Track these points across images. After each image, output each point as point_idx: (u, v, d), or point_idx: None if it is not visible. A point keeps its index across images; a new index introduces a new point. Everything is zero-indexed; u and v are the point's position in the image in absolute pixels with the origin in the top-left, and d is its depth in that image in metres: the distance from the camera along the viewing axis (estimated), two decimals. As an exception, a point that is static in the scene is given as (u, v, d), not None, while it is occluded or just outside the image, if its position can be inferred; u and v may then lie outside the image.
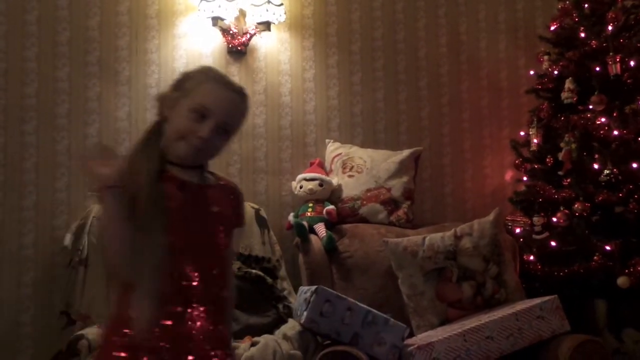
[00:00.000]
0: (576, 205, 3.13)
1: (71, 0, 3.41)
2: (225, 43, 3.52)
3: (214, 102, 1.64)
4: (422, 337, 2.75)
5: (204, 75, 1.69)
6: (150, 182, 1.59)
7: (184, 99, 1.65)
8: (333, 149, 3.53)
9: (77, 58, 3.41)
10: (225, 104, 1.66)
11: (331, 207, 3.29)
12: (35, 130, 3.33)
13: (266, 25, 3.50)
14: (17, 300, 3.23)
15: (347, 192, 3.37)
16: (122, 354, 1.56)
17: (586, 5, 3.41)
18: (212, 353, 1.61)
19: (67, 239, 3.11)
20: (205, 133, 1.62)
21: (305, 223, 3.18)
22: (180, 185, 1.65)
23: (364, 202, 3.33)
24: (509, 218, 3.45)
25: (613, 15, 3.29)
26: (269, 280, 3.10)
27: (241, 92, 1.71)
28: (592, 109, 3.24)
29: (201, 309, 1.60)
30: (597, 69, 3.27)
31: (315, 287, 2.64)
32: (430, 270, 2.95)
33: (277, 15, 3.47)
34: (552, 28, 3.56)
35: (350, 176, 3.41)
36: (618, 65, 3.20)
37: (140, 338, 1.54)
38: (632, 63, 3.24)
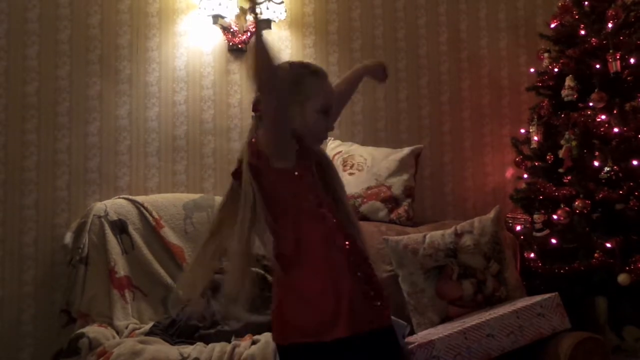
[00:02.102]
0: (577, 203, 3.13)
1: (72, -2, 3.42)
2: (226, 41, 3.53)
3: (331, 97, 1.90)
4: (422, 335, 2.75)
5: (315, 76, 1.89)
6: None
7: (308, 102, 1.85)
8: (333, 147, 3.54)
9: (78, 56, 3.41)
10: (332, 94, 1.92)
11: (332, 205, 3.29)
12: (36, 128, 3.33)
13: (267, 23, 3.50)
14: (17, 298, 3.24)
15: (347, 190, 3.34)
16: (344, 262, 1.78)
17: (586, 3, 3.41)
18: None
19: (68, 237, 3.11)
20: (329, 124, 1.90)
21: (305, 221, 3.18)
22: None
23: (365, 200, 3.33)
24: (509, 215, 3.45)
25: (613, 13, 3.29)
26: (270, 278, 3.10)
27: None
28: (592, 106, 3.24)
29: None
30: (597, 66, 3.27)
31: (316, 284, 2.63)
32: (431, 267, 2.95)
33: (278, 13, 3.47)
34: (553, 26, 3.56)
35: (350, 174, 3.41)
36: (618, 63, 3.20)
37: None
38: (632, 60, 3.24)
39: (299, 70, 1.89)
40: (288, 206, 1.81)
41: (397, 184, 3.36)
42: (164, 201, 3.23)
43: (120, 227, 3.07)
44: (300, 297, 1.78)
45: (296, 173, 1.81)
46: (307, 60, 3.59)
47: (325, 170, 1.91)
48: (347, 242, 1.81)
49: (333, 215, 1.84)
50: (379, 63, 2.20)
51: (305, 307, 1.77)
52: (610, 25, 3.28)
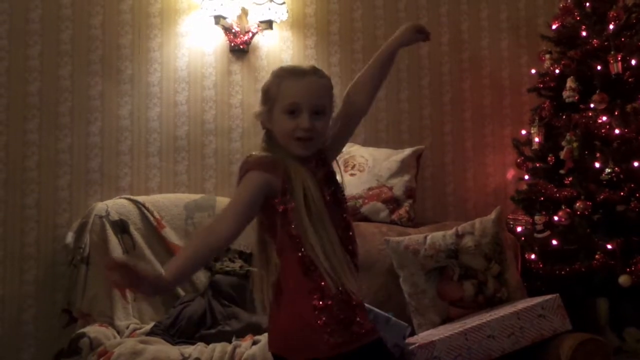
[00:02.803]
0: (578, 204, 3.13)
1: (74, -2, 3.43)
2: (228, 41, 3.53)
3: (298, 94, 1.77)
4: (423, 336, 2.75)
5: (278, 78, 1.82)
6: (309, 180, 1.74)
7: (274, 107, 1.79)
8: (335, 148, 3.53)
9: (80, 56, 3.41)
10: (307, 90, 1.78)
11: (333, 205, 3.29)
12: (37, 128, 3.34)
13: (268, 24, 3.51)
14: (19, 298, 3.24)
15: (348, 191, 3.37)
16: (317, 304, 1.70)
17: (588, 4, 3.41)
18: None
19: (69, 237, 3.11)
20: (306, 123, 1.75)
21: (307, 221, 3.18)
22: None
23: (366, 201, 3.34)
24: (510, 217, 3.45)
25: (614, 14, 3.29)
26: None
27: (314, 71, 1.82)
28: (593, 107, 3.24)
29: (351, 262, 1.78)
30: (599, 67, 3.27)
31: (316, 285, 2.64)
32: (432, 268, 2.95)
33: (280, 13, 3.47)
34: (554, 27, 3.56)
35: (351, 175, 3.41)
36: (619, 64, 3.20)
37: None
38: (633, 62, 3.23)
39: (270, 79, 1.84)
40: (276, 232, 1.77)
41: (398, 185, 3.36)
42: (165, 201, 3.23)
43: (121, 227, 3.07)
44: (283, 316, 1.78)
45: (280, 208, 1.73)
46: (308, 61, 3.63)
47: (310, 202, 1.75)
48: (322, 283, 1.71)
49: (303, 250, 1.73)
50: (410, 28, 2.08)
51: (288, 328, 1.77)
52: (611, 26, 3.28)
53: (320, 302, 1.70)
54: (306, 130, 1.75)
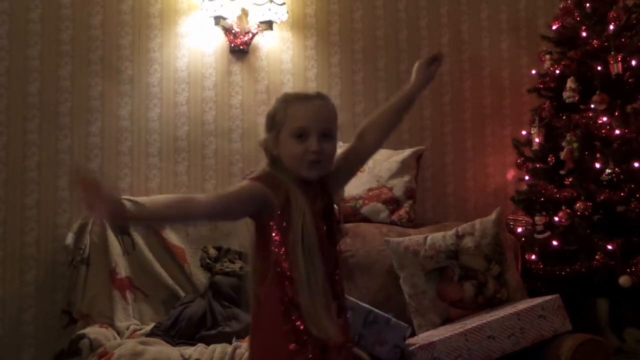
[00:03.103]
0: (578, 205, 3.13)
1: (74, -1, 3.43)
2: (228, 42, 3.53)
3: (306, 118, 1.77)
4: (423, 337, 2.75)
5: (284, 103, 1.81)
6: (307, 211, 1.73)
7: (281, 133, 1.78)
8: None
9: (80, 57, 3.41)
10: (315, 114, 1.79)
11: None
12: (37, 128, 3.33)
13: (268, 25, 3.50)
14: (18, 298, 3.24)
15: (348, 192, 3.37)
16: (292, 346, 1.69)
17: (588, 5, 3.41)
18: (348, 344, 1.84)
19: (69, 238, 3.11)
20: (315, 146, 1.75)
21: (307, 222, 3.17)
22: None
23: (366, 202, 3.33)
24: (510, 217, 3.45)
25: (615, 15, 3.29)
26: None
27: (320, 95, 1.85)
28: (593, 108, 3.24)
29: (334, 303, 1.77)
30: (599, 68, 3.27)
31: (317, 286, 2.64)
32: (432, 269, 2.95)
33: (280, 14, 3.47)
34: (554, 27, 3.56)
35: (352, 175, 3.41)
36: (619, 65, 3.20)
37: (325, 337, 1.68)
38: (633, 62, 3.24)
39: (275, 105, 1.84)
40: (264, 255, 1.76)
41: (399, 186, 3.36)
42: (166, 202, 3.22)
43: (121, 228, 3.07)
44: (256, 346, 1.80)
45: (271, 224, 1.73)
46: (308, 61, 3.63)
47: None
48: (301, 326, 1.70)
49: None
50: (422, 66, 2.09)
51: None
52: (611, 27, 3.28)
53: (295, 346, 1.69)
54: (315, 152, 1.75)
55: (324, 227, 1.79)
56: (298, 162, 1.76)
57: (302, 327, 1.69)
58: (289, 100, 1.82)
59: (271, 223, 1.72)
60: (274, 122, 1.81)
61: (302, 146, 1.75)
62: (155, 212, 1.69)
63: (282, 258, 1.71)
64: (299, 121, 1.77)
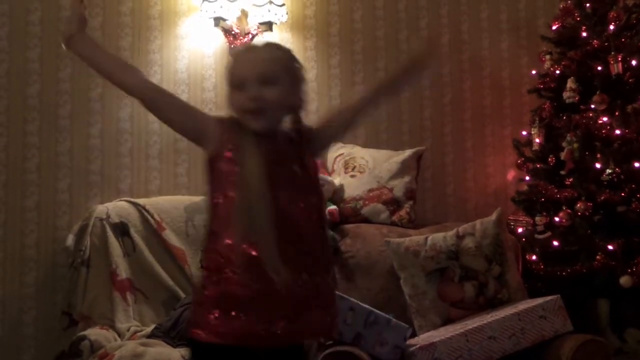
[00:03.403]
0: (578, 205, 3.13)
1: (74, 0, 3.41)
2: (228, 43, 3.52)
3: (242, 68, 1.72)
4: (424, 337, 2.75)
5: (231, 58, 1.80)
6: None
7: (228, 87, 1.74)
8: (335, 149, 3.53)
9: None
10: (252, 62, 1.73)
11: (333, 207, 3.29)
12: (37, 130, 3.33)
13: (268, 26, 3.50)
14: (19, 300, 3.24)
15: (349, 192, 3.37)
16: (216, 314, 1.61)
17: (588, 5, 3.41)
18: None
19: (69, 240, 3.11)
20: (252, 92, 1.68)
21: (307, 223, 3.17)
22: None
23: (366, 202, 3.33)
24: (511, 218, 3.45)
25: (615, 15, 3.29)
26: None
27: (267, 44, 1.82)
28: (594, 108, 3.24)
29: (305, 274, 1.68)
30: (599, 68, 3.27)
31: (317, 287, 2.63)
32: (433, 270, 2.95)
33: (279, 15, 3.47)
34: (554, 27, 3.56)
35: (352, 176, 3.41)
36: (620, 65, 3.19)
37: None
38: (633, 62, 3.23)
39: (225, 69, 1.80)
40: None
41: (399, 186, 3.36)
42: (166, 203, 3.23)
43: (121, 230, 3.07)
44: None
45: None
46: (308, 62, 3.63)
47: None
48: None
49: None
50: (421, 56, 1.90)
51: None
52: (611, 27, 3.28)
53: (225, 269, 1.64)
54: (253, 99, 1.67)
55: (301, 176, 1.74)
56: (242, 113, 1.70)
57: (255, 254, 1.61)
58: (235, 54, 1.81)
59: (225, 153, 1.68)
60: (225, 78, 1.77)
61: (242, 96, 1.69)
62: (97, 53, 1.78)
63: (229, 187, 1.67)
64: (238, 71, 1.72)
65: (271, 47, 1.81)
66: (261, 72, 1.70)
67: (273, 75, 1.71)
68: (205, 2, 3.39)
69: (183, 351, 2.59)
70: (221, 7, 3.38)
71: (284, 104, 1.73)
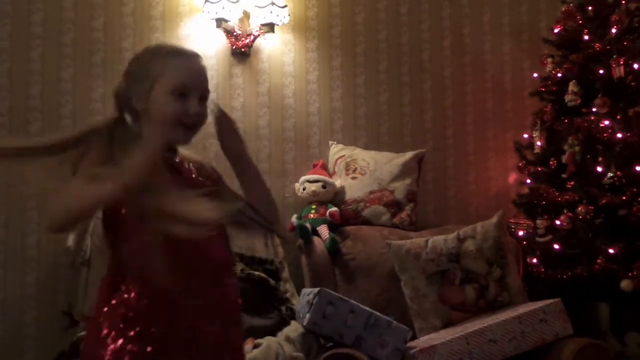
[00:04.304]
0: (580, 208, 3.13)
1: (76, 1, 3.42)
2: (229, 44, 3.53)
3: (188, 76, 1.61)
4: (424, 340, 2.75)
5: (159, 55, 1.64)
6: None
7: (156, 87, 1.59)
8: (336, 151, 3.54)
9: (82, 59, 3.41)
10: (197, 73, 1.64)
11: (334, 209, 3.29)
12: (39, 130, 3.33)
13: (270, 27, 3.50)
14: (20, 300, 3.24)
15: (350, 194, 3.37)
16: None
17: (590, 8, 3.41)
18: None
19: (70, 240, 3.11)
20: (197, 108, 1.60)
21: (308, 225, 3.18)
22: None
23: (367, 204, 3.33)
24: (512, 221, 3.45)
25: (617, 18, 3.29)
26: (272, 282, 3.10)
27: (197, 54, 1.68)
28: (595, 111, 3.23)
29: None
30: (601, 71, 3.27)
31: (318, 289, 2.64)
32: (433, 272, 2.95)
33: (281, 16, 3.47)
34: (556, 31, 3.56)
35: (353, 178, 3.41)
36: (622, 68, 3.19)
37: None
38: (635, 66, 3.23)
39: (146, 55, 1.66)
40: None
41: (400, 188, 3.36)
42: (167, 204, 3.22)
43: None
44: None
45: None
46: (309, 64, 3.63)
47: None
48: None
49: None
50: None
51: None
52: (613, 30, 3.28)
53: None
54: (196, 115, 1.60)
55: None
56: (173, 123, 1.59)
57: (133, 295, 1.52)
58: (167, 53, 1.64)
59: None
60: (146, 74, 1.61)
61: (182, 106, 1.58)
62: None
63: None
64: (181, 77, 1.59)
65: (200, 57, 1.67)
66: (204, 88, 1.64)
67: (208, 93, 1.66)
68: (207, 3, 3.39)
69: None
70: (223, 8, 3.38)
71: (204, 123, 1.67)
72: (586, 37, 3.37)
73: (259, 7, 3.44)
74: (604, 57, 3.28)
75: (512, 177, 3.79)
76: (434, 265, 2.95)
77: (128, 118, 1.65)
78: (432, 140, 3.75)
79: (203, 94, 1.63)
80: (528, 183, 3.53)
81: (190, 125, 1.62)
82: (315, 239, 3.18)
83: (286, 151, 3.59)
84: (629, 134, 3.14)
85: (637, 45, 3.26)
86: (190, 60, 1.65)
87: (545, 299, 2.72)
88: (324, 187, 3.31)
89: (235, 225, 1.69)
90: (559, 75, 3.43)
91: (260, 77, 3.59)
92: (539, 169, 3.46)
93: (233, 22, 3.48)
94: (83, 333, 2.71)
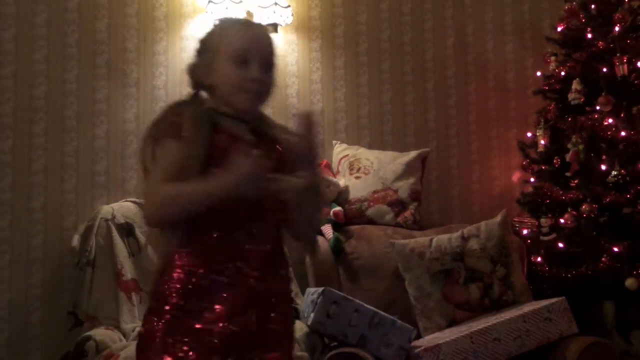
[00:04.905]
0: (584, 207, 3.12)
1: (80, 2, 3.43)
2: (232, 44, 3.53)
3: (247, 42, 1.61)
4: (429, 339, 2.75)
5: (221, 27, 1.66)
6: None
7: (217, 57, 1.61)
8: (340, 151, 3.54)
9: (86, 60, 3.42)
10: (257, 41, 1.63)
11: (338, 208, 3.30)
12: (44, 132, 3.34)
13: (273, 27, 3.50)
14: (25, 301, 3.25)
15: (354, 194, 3.37)
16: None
17: (593, 6, 3.40)
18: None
19: (75, 240, 3.12)
20: (257, 73, 1.60)
21: (312, 224, 3.18)
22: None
23: (371, 204, 3.33)
24: (516, 219, 3.45)
25: (620, 16, 3.28)
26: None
27: (261, 25, 1.71)
28: (599, 110, 3.23)
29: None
30: (604, 70, 3.26)
31: (322, 288, 2.64)
32: (437, 271, 2.95)
33: (284, 17, 3.47)
34: (559, 29, 3.55)
35: (357, 177, 3.41)
36: (625, 66, 3.19)
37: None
38: (639, 64, 3.22)
39: (210, 30, 1.67)
40: None
41: (404, 188, 3.36)
42: (171, 204, 3.23)
43: (127, 230, 3.07)
44: None
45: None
46: (313, 64, 3.63)
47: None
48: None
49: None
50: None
51: None
52: (617, 28, 3.28)
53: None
54: (256, 80, 1.59)
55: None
56: (237, 90, 1.60)
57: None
58: (229, 24, 1.67)
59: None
60: (208, 46, 1.63)
61: (243, 73, 1.59)
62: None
63: None
64: (240, 43, 1.60)
65: (267, 30, 1.70)
66: (266, 56, 1.63)
67: (273, 62, 1.66)
68: (211, 4, 3.39)
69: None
70: (226, 8, 3.39)
71: (270, 93, 1.67)
72: (589, 36, 3.37)
73: (262, 7, 3.45)
74: (607, 55, 3.27)
75: (516, 176, 3.79)
76: (438, 264, 2.95)
77: (203, 93, 1.65)
78: (435, 140, 3.75)
79: (265, 61, 1.62)
80: (532, 182, 3.53)
81: (253, 92, 1.61)
82: (319, 238, 3.18)
83: (290, 151, 3.59)
84: (632, 132, 3.14)
85: (640, 43, 3.26)
86: (249, 27, 1.66)
87: (550, 298, 2.72)
88: (327, 186, 3.31)
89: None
90: (563, 73, 3.42)
91: (263, 77, 3.60)
92: (543, 167, 3.45)
93: (236, 23, 3.48)
94: (88, 333, 2.73)
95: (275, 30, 3.52)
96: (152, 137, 1.60)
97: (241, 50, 1.59)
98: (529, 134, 3.61)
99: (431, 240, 3.02)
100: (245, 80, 1.59)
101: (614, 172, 3.10)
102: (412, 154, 3.47)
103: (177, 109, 1.63)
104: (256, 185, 1.49)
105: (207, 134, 1.56)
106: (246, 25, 1.68)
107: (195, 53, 1.68)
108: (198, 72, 1.65)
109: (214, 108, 1.62)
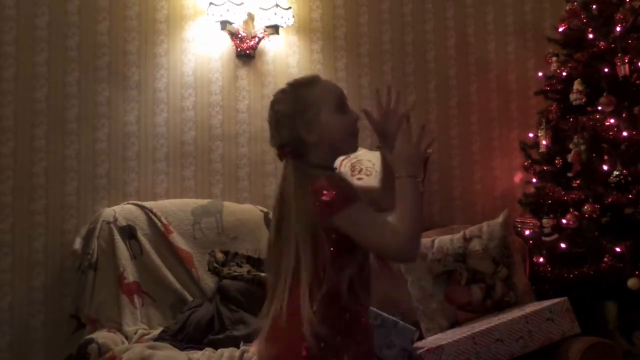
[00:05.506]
0: (586, 207, 3.12)
1: (81, 5, 3.44)
2: (234, 47, 3.54)
3: (337, 90, 1.77)
4: (431, 340, 2.75)
5: (308, 86, 1.77)
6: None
7: (321, 111, 1.71)
8: (341, 152, 3.53)
9: (87, 63, 3.43)
10: (337, 88, 1.80)
11: (340, 209, 3.29)
12: (45, 134, 3.35)
13: (274, 29, 3.51)
14: (27, 304, 3.25)
15: (355, 195, 3.37)
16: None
17: (594, 7, 3.40)
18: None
19: (77, 243, 3.12)
20: (354, 115, 1.76)
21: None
22: None
23: (373, 205, 3.33)
24: (518, 220, 3.44)
25: (621, 16, 3.28)
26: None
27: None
28: (601, 110, 3.23)
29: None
30: (606, 70, 3.26)
31: (324, 290, 2.63)
32: (440, 272, 2.95)
33: (286, 18, 3.47)
34: (560, 29, 3.55)
35: (359, 179, 3.41)
36: (627, 66, 3.18)
37: None
38: (640, 64, 3.23)
39: (294, 93, 1.76)
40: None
41: (405, 189, 3.35)
42: (173, 207, 3.23)
43: (129, 233, 3.08)
44: None
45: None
46: (314, 65, 3.63)
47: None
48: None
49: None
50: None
51: None
52: (618, 28, 3.27)
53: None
54: (358, 120, 1.75)
55: None
56: (350, 135, 1.74)
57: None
58: (311, 82, 1.78)
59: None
60: (304, 107, 1.71)
61: (348, 117, 1.74)
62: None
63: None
64: (335, 93, 1.74)
65: None
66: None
67: None
68: (212, 6, 3.40)
69: (190, 354, 2.59)
70: (227, 10, 3.39)
71: None
72: (591, 36, 3.37)
73: (264, 9, 3.45)
74: (608, 55, 3.27)
75: (518, 177, 3.79)
76: (440, 266, 2.95)
77: (305, 155, 1.71)
78: (437, 141, 3.75)
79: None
80: (534, 182, 3.52)
81: (357, 133, 1.77)
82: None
83: (291, 153, 3.59)
84: (634, 132, 3.14)
85: (641, 43, 3.25)
86: (321, 80, 1.80)
87: (552, 298, 2.71)
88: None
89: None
90: (564, 74, 3.42)
91: (265, 79, 3.60)
92: (545, 168, 3.45)
93: (237, 25, 3.48)
94: (91, 336, 2.72)
95: (277, 32, 3.52)
96: (343, 204, 1.61)
97: (339, 99, 1.74)
98: (531, 135, 3.60)
99: (433, 241, 3.01)
100: (353, 123, 1.74)
101: (615, 173, 3.09)
102: (414, 155, 3.46)
103: (332, 179, 1.66)
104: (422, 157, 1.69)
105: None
106: (319, 79, 1.80)
107: (282, 121, 1.74)
108: (298, 132, 1.69)
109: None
